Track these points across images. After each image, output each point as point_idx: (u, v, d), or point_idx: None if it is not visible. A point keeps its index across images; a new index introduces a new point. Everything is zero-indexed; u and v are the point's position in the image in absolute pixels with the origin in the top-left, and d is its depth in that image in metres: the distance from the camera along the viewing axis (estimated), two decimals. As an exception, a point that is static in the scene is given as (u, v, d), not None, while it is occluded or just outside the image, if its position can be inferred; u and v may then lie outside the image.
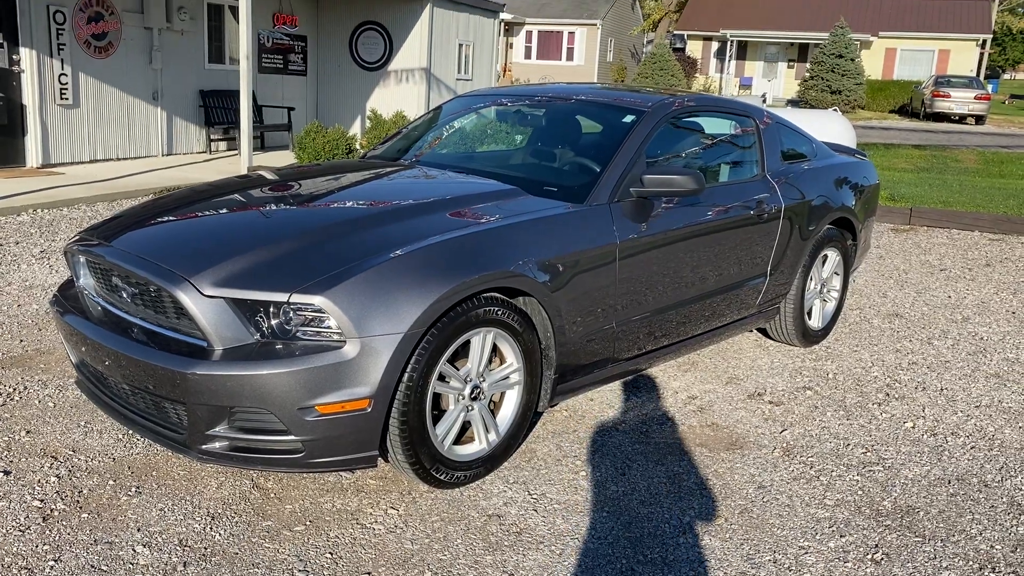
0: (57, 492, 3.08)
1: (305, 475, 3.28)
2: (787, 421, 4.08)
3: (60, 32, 10.01)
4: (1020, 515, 3.28)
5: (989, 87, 32.19)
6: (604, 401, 4.19)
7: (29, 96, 9.81)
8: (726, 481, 3.45)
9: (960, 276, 7.21)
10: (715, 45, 37.20)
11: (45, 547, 2.75)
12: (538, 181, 3.90)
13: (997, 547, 3.05)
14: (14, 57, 9.62)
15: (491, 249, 3.19)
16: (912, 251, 8.17)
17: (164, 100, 11.71)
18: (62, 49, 10.06)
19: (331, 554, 2.81)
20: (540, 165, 4.47)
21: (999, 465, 3.70)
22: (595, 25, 36.35)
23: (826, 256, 5.17)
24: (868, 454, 3.76)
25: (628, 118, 4.15)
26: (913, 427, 4.08)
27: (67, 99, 10.22)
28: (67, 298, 3.52)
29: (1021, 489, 3.49)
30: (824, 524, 3.15)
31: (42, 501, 3.01)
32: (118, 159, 11.09)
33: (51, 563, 2.68)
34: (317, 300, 2.81)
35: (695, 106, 4.48)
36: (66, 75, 10.16)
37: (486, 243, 3.20)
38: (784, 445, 3.81)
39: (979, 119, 28.65)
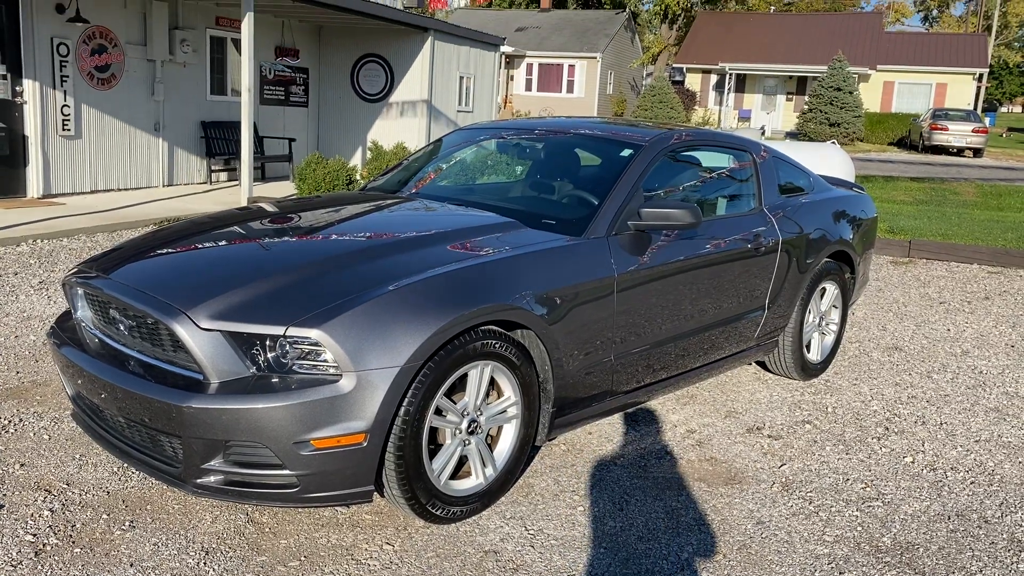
0: (50, 526, 3.05)
1: (300, 509, 3.26)
2: (786, 455, 4.06)
3: (64, 64, 10.10)
4: (1020, 552, 3.25)
5: (987, 120, 32.44)
6: (602, 435, 4.17)
7: (31, 127, 9.88)
8: (724, 516, 3.42)
9: (959, 309, 7.21)
10: (714, 78, 37.53)
11: (36, 582, 2.73)
12: (536, 214, 3.91)
13: (998, 585, 3.02)
14: (17, 88, 9.70)
15: (489, 282, 3.19)
16: (911, 284, 8.17)
17: (166, 131, 11.79)
18: (65, 81, 10.15)
19: (325, 590, 2.78)
20: (539, 198, 4.49)
21: (999, 501, 3.67)
22: (595, 58, 36.70)
23: (824, 289, 5.18)
24: (867, 489, 3.73)
25: (626, 152, 4.18)
26: (912, 462, 4.05)
27: (69, 130, 10.28)
28: (64, 330, 3.52)
29: (1021, 525, 3.46)
30: (823, 561, 3.12)
31: (35, 535, 2.99)
32: (119, 190, 11.14)
33: (42, 599, 2.65)
34: (313, 333, 2.81)
35: (692, 140, 4.50)
36: (68, 106, 10.24)
37: (484, 276, 3.21)
38: (783, 480, 3.79)
39: (977, 152, 28.81)
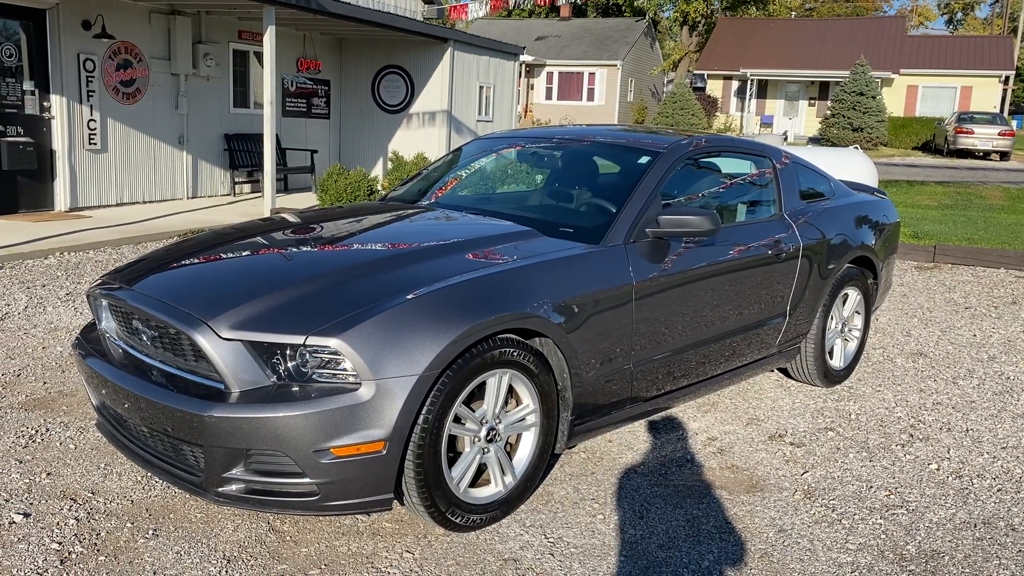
0: (75, 535, 3.09)
1: (321, 518, 3.27)
2: (808, 463, 4.03)
3: (90, 79, 10.25)
4: (1049, 560, 3.20)
5: (1013, 123, 32.04)
6: (622, 442, 4.16)
7: (59, 141, 10.03)
8: (746, 524, 3.40)
9: (985, 314, 7.12)
10: (735, 84, 37.37)
11: (62, 590, 2.76)
12: (554, 222, 3.92)
13: (1026, 593, 2.98)
14: (45, 104, 9.86)
15: (507, 290, 3.20)
16: (936, 289, 8.09)
17: (190, 144, 11.93)
18: (91, 96, 10.30)
19: (346, 598, 2.80)
20: (556, 206, 4.50)
21: (1027, 508, 3.63)
22: (615, 66, 36.70)
23: (846, 295, 5.14)
24: (891, 497, 3.69)
25: (644, 159, 4.18)
26: (938, 469, 4.01)
27: (95, 144, 10.44)
28: (89, 341, 3.57)
29: (1050, 533, 3.41)
30: (847, 569, 3.09)
31: (60, 544, 3.02)
32: (144, 202, 11.28)
33: (67, 607, 2.68)
34: (333, 342, 2.83)
35: (711, 147, 4.49)
36: (95, 121, 10.39)
37: (502, 284, 3.22)
38: (805, 487, 3.76)
39: (1004, 155, 28.47)
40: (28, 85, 9.67)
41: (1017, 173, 23.38)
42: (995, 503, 3.66)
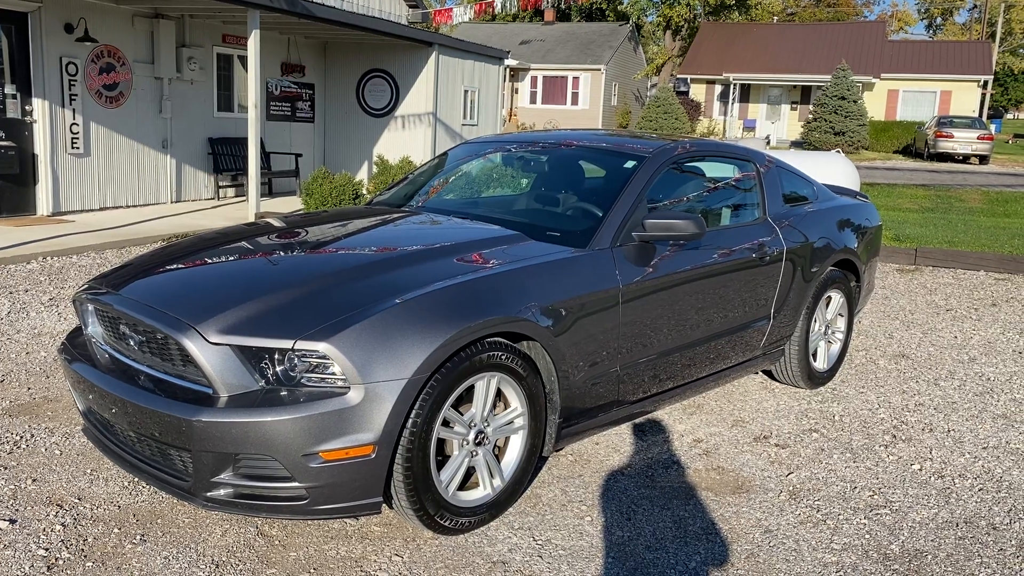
0: (62, 540, 3.08)
1: (309, 522, 3.28)
2: (793, 464, 4.07)
3: (72, 83, 10.19)
4: (1030, 558, 3.24)
5: (992, 127, 32.37)
6: (609, 445, 4.18)
7: (41, 146, 9.96)
8: (732, 525, 3.43)
9: (966, 316, 7.21)
10: (718, 88, 37.58)
11: (49, 596, 2.75)
12: (541, 226, 3.94)
13: (1007, 591, 3.02)
14: (27, 108, 9.80)
15: (494, 294, 3.22)
16: (918, 291, 8.17)
17: (173, 148, 11.87)
18: (74, 99, 10.24)
19: (335, 602, 2.80)
20: (543, 210, 4.52)
21: (1007, 507, 3.67)
22: (599, 70, 36.81)
23: (830, 298, 5.19)
24: (875, 497, 3.73)
25: (630, 164, 4.20)
26: (920, 469, 4.06)
27: (78, 148, 10.37)
28: (75, 346, 3.55)
29: (1031, 532, 3.46)
30: (831, 569, 3.13)
31: (47, 550, 3.01)
32: (127, 206, 11.21)
33: (55, 613, 2.67)
34: (321, 347, 2.84)
35: (696, 151, 4.53)
36: (77, 125, 10.33)
37: (489, 288, 3.23)
38: (790, 488, 3.80)
39: (983, 159, 28.77)
40: (9, 89, 9.61)
41: (996, 176, 23.63)
42: (976, 502, 3.71)
